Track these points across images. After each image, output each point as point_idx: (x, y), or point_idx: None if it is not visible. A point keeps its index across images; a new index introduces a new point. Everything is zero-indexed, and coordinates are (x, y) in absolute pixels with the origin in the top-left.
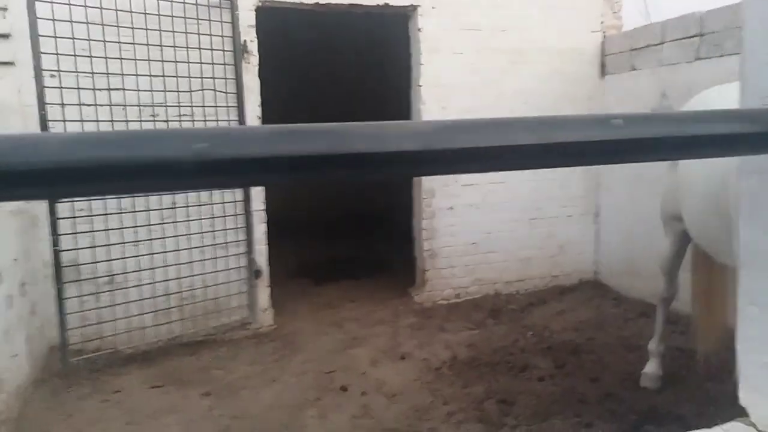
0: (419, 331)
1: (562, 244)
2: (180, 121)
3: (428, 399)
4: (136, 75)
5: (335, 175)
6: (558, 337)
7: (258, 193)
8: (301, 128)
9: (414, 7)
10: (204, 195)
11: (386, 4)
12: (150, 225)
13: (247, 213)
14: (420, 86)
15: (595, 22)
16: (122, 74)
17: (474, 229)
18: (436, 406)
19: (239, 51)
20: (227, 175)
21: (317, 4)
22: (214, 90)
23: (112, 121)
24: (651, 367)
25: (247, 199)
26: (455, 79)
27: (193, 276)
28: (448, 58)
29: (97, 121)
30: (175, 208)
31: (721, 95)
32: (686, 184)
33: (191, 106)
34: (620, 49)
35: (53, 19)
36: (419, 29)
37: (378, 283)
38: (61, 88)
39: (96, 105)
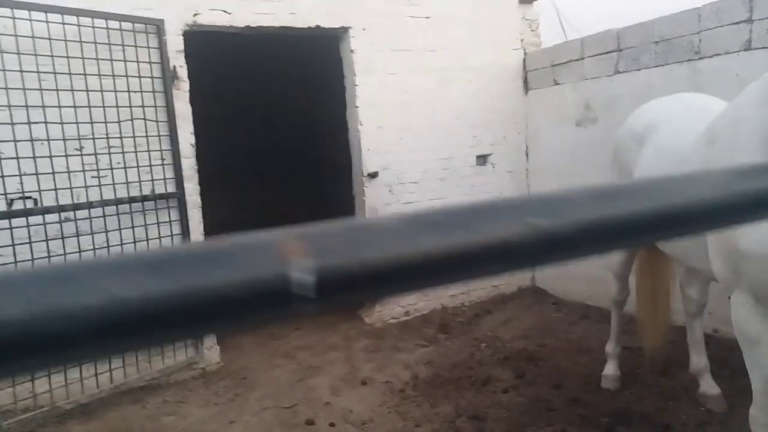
0: (375, 354)
1: None
2: (109, 153)
3: (399, 423)
4: (59, 107)
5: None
6: (510, 346)
7: (197, 224)
8: (623, 187)
9: (345, 29)
10: (137, 230)
11: (317, 26)
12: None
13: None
14: (356, 107)
15: (516, 40)
16: (43, 106)
17: None
18: (409, 430)
19: (169, 77)
20: (558, 251)
21: (247, 27)
22: (144, 119)
23: (34, 157)
24: (610, 369)
25: (187, 231)
26: (390, 98)
27: None
28: (383, 79)
29: (17, 158)
30: (91, 234)
31: (662, 105)
32: None
33: (120, 137)
34: (542, 65)
35: None
36: (352, 51)
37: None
38: None
39: (15, 141)
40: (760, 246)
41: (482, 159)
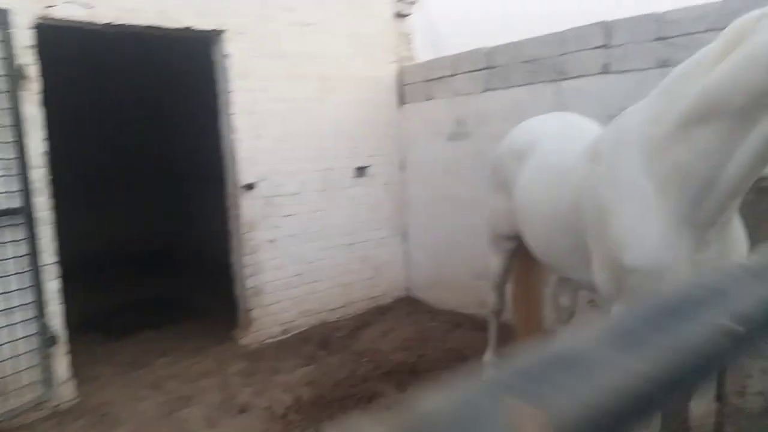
0: (252, 377)
1: (377, 265)
2: None
3: None
4: None
5: None
6: (391, 358)
7: (48, 244)
8: None
9: (219, 32)
10: None
11: (188, 28)
12: None
13: (36, 269)
14: (230, 114)
15: (392, 53)
16: None
17: (297, 260)
18: None
19: (15, 76)
20: None
21: (109, 24)
22: None
23: None
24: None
25: (34, 253)
26: (268, 106)
27: None
28: (260, 85)
29: None
30: None
31: (540, 124)
32: (530, 208)
33: None
34: (416, 80)
35: None
36: (226, 55)
37: (191, 330)
38: None
39: None
40: (642, 261)
41: (361, 171)
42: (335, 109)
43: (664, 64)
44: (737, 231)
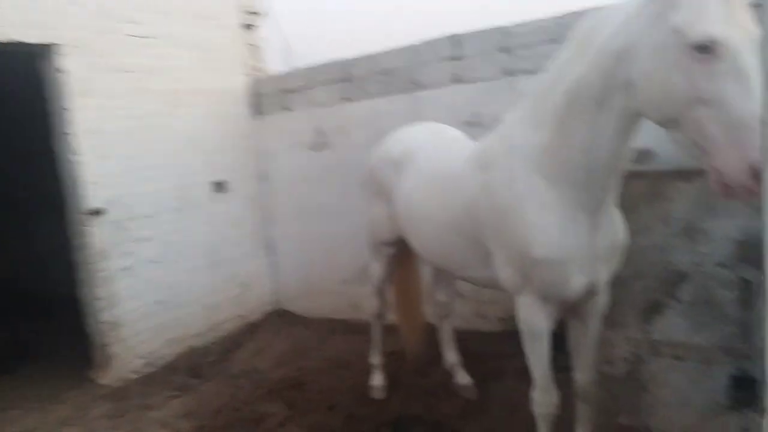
0: (121, 419)
1: (244, 281)
2: None
3: None
4: None
5: None
6: (272, 376)
7: None
8: None
9: (52, 46)
10: None
11: (18, 42)
12: None
13: None
14: (69, 134)
15: (243, 65)
16: None
17: (157, 287)
18: None
19: None
20: None
21: None
22: None
23: None
24: (377, 379)
25: None
26: (114, 124)
27: None
28: (103, 103)
29: None
30: None
31: (413, 133)
32: (418, 215)
33: None
34: (272, 91)
35: None
36: (62, 70)
37: (39, 376)
38: None
39: None
40: (549, 251)
41: (219, 186)
42: (187, 123)
43: (509, 73)
44: (617, 214)
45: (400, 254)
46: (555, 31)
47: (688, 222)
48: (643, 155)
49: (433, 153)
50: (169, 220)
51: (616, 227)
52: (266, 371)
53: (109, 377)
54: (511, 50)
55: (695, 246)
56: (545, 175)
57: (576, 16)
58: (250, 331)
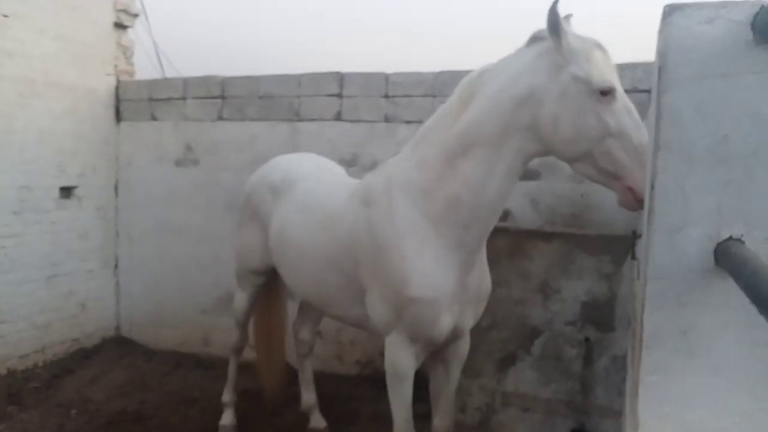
0: None
1: (83, 301)
2: None
3: None
4: None
5: None
6: (107, 408)
7: None
8: None
9: None
10: None
11: None
12: None
13: None
14: None
15: (109, 65)
16: None
17: None
18: None
19: None
20: None
21: None
22: None
23: None
24: (227, 418)
25: None
26: None
27: None
28: None
29: None
30: None
31: (296, 162)
32: (294, 248)
33: None
34: (138, 97)
35: None
36: None
37: None
38: None
39: None
40: (422, 291)
41: (67, 192)
42: (40, 118)
43: (389, 119)
44: (485, 261)
45: (268, 286)
46: (432, 86)
47: (544, 280)
48: (503, 214)
49: (315, 185)
50: (5, 223)
51: (483, 272)
52: (102, 402)
53: None
54: (391, 98)
55: (548, 303)
56: (426, 213)
57: (453, 74)
58: (84, 357)
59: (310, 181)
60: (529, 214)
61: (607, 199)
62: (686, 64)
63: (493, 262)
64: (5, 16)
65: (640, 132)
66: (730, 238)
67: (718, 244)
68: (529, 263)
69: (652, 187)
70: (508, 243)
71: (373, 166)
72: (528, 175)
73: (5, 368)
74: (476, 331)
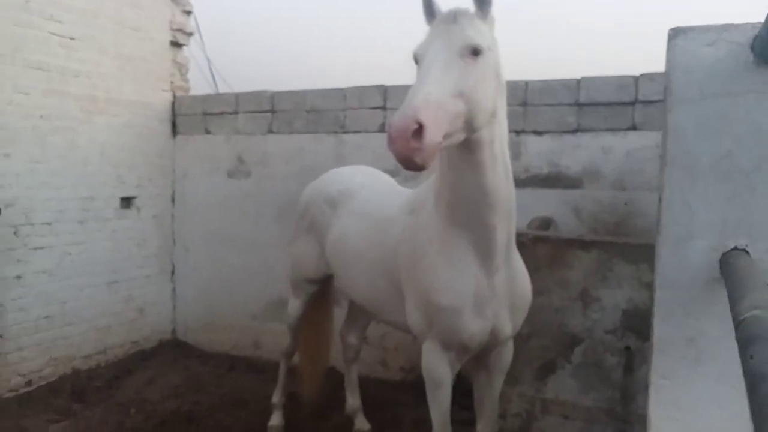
0: None
1: (141, 306)
2: None
3: None
4: None
5: None
6: (162, 407)
7: None
8: None
9: None
10: None
11: None
12: None
13: None
14: None
15: (166, 81)
16: None
17: (48, 301)
18: None
19: None
20: None
21: None
22: None
23: None
24: (276, 419)
25: None
26: (20, 122)
27: None
28: (11, 98)
29: None
30: None
31: (351, 175)
32: (350, 255)
33: None
34: (193, 112)
35: None
36: None
37: None
38: None
39: None
40: (450, 299)
41: (127, 202)
42: (102, 133)
43: None
44: (519, 264)
45: (318, 294)
46: None
47: (584, 288)
48: (545, 223)
49: (370, 195)
50: (69, 231)
51: (516, 275)
52: (158, 402)
53: None
54: None
55: (588, 311)
56: (442, 219)
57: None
58: (142, 358)
59: (365, 191)
60: (572, 222)
61: (651, 206)
62: (690, 85)
63: (533, 270)
64: (72, 38)
65: None
66: (735, 248)
67: (723, 255)
68: (569, 272)
69: (660, 200)
70: (547, 252)
71: (415, 176)
72: (569, 183)
73: (70, 367)
74: (516, 338)
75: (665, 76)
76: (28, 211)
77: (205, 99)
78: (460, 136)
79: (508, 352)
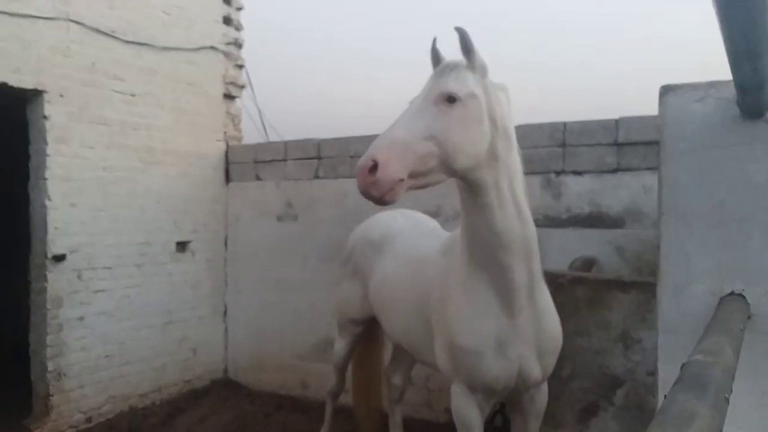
0: None
1: (194, 346)
2: None
3: None
4: None
5: None
6: None
7: None
8: None
9: (39, 92)
10: None
11: (4, 84)
12: None
13: None
14: (45, 179)
15: (219, 132)
16: None
17: (107, 341)
18: None
19: None
20: None
21: None
22: None
23: None
24: None
25: None
26: (85, 174)
27: None
28: (78, 151)
29: None
30: None
31: (391, 220)
32: (390, 296)
33: None
34: (245, 160)
35: None
36: (45, 117)
37: None
38: None
39: None
40: (471, 341)
41: (182, 246)
42: (159, 182)
43: None
44: (547, 306)
45: (367, 335)
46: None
47: (624, 330)
48: (588, 263)
49: (410, 239)
50: (128, 275)
51: (543, 316)
52: None
53: (46, 429)
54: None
55: (629, 353)
56: (464, 259)
57: (530, 127)
58: (195, 397)
59: (406, 235)
60: (616, 262)
61: None
62: (681, 139)
63: (571, 312)
64: (132, 95)
65: None
66: (732, 293)
67: (721, 299)
68: (609, 313)
69: (659, 248)
70: (586, 293)
71: (455, 216)
72: (611, 222)
73: (127, 405)
74: (556, 380)
75: (658, 130)
76: (90, 256)
77: (256, 147)
78: (440, 176)
79: (541, 396)
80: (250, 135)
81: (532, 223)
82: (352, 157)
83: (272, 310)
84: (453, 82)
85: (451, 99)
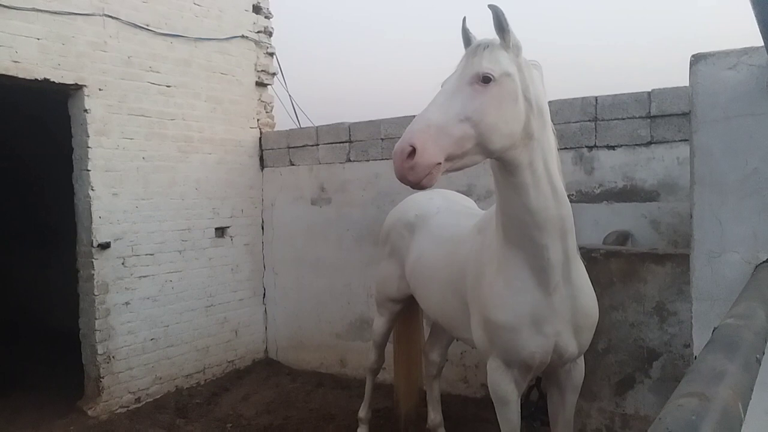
0: None
1: (235, 328)
2: None
3: None
4: None
5: None
6: (257, 423)
7: None
8: None
9: (79, 87)
10: None
11: (46, 80)
12: None
13: None
14: (87, 170)
15: (253, 119)
16: None
17: (152, 324)
18: None
19: None
20: None
21: None
22: None
23: None
24: None
25: None
26: (126, 164)
27: None
28: (119, 143)
29: None
30: None
31: (427, 200)
32: (427, 275)
33: None
34: (278, 146)
35: None
36: (86, 110)
37: (31, 402)
38: None
39: None
40: (507, 317)
41: (220, 231)
42: (196, 169)
43: None
44: (583, 282)
45: (406, 313)
46: None
47: (659, 302)
48: (623, 237)
49: (445, 218)
50: (170, 261)
51: (579, 293)
52: (251, 418)
53: (97, 409)
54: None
55: (664, 325)
56: (499, 238)
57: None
58: (238, 377)
59: (441, 214)
60: (651, 235)
61: None
62: (713, 107)
63: (606, 286)
64: (168, 86)
65: None
66: (767, 260)
67: (757, 267)
68: (643, 286)
69: (691, 216)
70: (620, 266)
71: (487, 195)
72: (646, 196)
73: (174, 386)
74: (593, 354)
75: (689, 99)
76: (133, 243)
77: (289, 133)
78: (476, 158)
79: (578, 371)
80: (282, 121)
81: (567, 202)
82: (382, 139)
83: (309, 291)
84: (487, 61)
85: (486, 79)
